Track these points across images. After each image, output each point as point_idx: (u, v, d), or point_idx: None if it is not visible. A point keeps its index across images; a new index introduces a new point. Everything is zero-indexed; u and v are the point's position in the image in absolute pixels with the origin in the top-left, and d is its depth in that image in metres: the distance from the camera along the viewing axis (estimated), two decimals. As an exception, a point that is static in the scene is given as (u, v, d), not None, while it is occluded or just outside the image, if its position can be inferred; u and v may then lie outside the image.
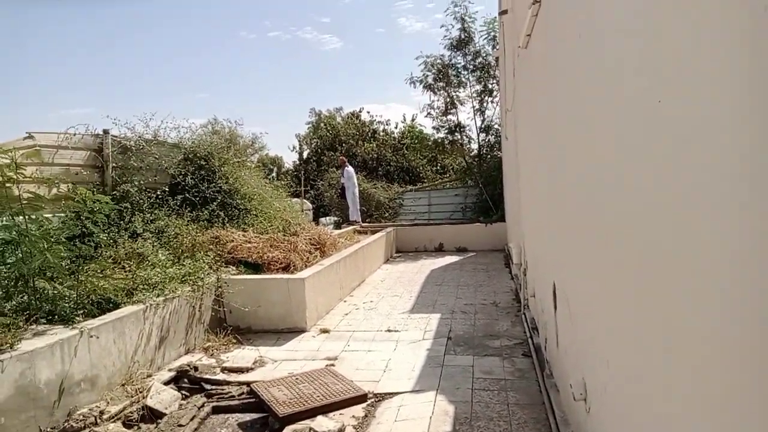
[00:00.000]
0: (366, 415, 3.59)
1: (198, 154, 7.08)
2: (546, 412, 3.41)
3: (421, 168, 19.32)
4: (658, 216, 1.32)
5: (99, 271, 4.65)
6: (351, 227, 11.83)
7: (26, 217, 3.77)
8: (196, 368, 4.45)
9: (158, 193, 6.48)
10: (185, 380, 4.31)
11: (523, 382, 3.98)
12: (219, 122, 15.40)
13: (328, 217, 15.12)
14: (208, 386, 4.20)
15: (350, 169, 13.37)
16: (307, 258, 6.59)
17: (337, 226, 13.27)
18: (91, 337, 3.66)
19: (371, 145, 20.17)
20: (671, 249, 1.25)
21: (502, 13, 7.02)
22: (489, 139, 13.88)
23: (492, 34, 12.63)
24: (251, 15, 46.48)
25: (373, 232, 10.88)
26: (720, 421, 1.02)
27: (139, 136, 6.67)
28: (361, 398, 3.79)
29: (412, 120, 21.20)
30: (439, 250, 11.69)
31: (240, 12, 47.99)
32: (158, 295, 4.56)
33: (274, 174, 22.59)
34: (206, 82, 42.99)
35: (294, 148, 24.90)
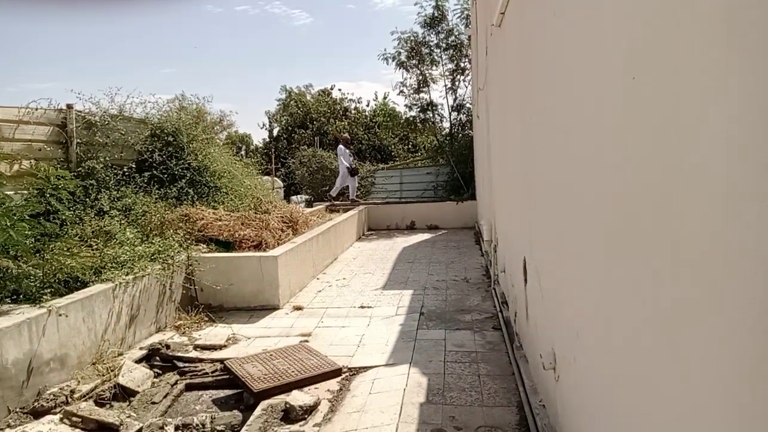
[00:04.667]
0: (341, 389, 3.64)
1: (165, 130, 6.88)
2: (516, 381, 3.53)
3: (393, 146, 19.28)
4: (629, 191, 1.37)
5: (65, 249, 4.53)
6: (323, 205, 11.78)
7: (-14, 193, 3.63)
8: (168, 346, 4.41)
9: (125, 169, 6.30)
10: (157, 358, 4.28)
11: (493, 354, 4.09)
12: (186, 98, 15.04)
13: (299, 196, 15.02)
14: (180, 364, 4.18)
15: (341, 146, 12.89)
16: (279, 236, 6.56)
17: (309, 204, 13.19)
18: (60, 315, 3.58)
19: (343, 123, 19.98)
20: (640, 224, 1.30)
21: (475, -10, 7.00)
22: (460, 118, 13.94)
23: (465, 12, 12.59)
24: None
25: (345, 211, 10.87)
26: (686, 387, 1.08)
27: (105, 112, 6.44)
28: (335, 372, 3.84)
29: (384, 98, 21.05)
30: (411, 228, 11.77)
31: (205, -17, 46.49)
32: (127, 274, 4.47)
33: (242, 152, 22.22)
34: (171, 57, 41.52)
35: (263, 125, 24.50)
